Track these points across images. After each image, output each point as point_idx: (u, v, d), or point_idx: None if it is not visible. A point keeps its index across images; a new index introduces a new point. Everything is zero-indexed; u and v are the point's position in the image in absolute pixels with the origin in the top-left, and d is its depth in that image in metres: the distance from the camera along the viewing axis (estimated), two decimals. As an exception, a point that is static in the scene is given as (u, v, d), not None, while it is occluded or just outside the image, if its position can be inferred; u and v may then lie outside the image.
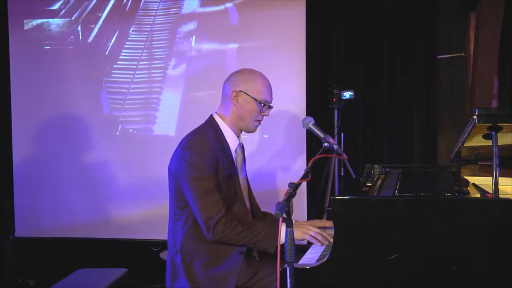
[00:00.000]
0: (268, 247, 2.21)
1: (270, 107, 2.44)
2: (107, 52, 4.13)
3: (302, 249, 2.30)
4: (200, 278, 2.27)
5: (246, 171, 2.55)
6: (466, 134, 2.18)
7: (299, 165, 3.88)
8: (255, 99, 2.36)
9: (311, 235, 2.25)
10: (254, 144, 3.88)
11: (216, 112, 2.45)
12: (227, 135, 2.39)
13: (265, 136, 3.94)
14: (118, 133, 4.14)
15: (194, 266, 2.28)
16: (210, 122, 2.41)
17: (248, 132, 2.45)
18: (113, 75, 4.14)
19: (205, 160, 2.24)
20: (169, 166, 2.38)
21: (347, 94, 3.76)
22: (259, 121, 2.43)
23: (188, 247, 2.31)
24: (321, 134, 2.19)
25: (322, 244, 2.25)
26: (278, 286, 1.79)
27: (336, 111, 3.79)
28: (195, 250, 2.30)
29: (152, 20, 4.09)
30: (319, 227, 2.36)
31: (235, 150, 2.42)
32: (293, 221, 2.44)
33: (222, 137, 2.37)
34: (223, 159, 2.32)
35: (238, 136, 2.45)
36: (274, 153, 3.94)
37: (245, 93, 2.36)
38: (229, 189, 2.34)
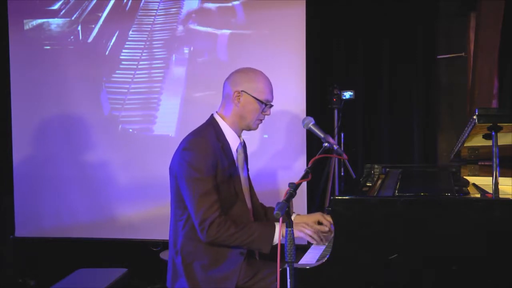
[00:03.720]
0: (262, 247, 2.22)
1: (271, 106, 2.43)
2: (107, 52, 4.13)
3: (302, 249, 2.30)
4: (200, 279, 2.27)
5: (248, 171, 2.55)
6: (466, 134, 2.18)
7: (299, 165, 3.88)
8: (257, 99, 2.36)
9: (306, 233, 2.25)
10: (254, 144, 3.88)
11: (216, 112, 2.44)
12: (228, 135, 2.39)
13: (265, 136, 3.94)
14: (118, 133, 4.14)
15: (194, 267, 2.29)
16: (211, 122, 2.40)
17: (249, 130, 2.45)
18: (113, 75, 4.14)
19: (205, 161, 2.24)
20: (170, 166, 2.38)
21: (347, 94, 3.75)
22: (261, 120, 2.43)
23: (188, 248, 2.31)
24: (321, 134, 2.19)
25: (318, 243, 2.25)
26: (278, 286, 1.79)
27: (336, 111, 3.79)
28: (195, 251, 2.30)
29: (152, 20, 4.09)
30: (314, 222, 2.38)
31: (236, 150, 2.42)
32: (296, 214, 2.48)
33: (223, 137, 2.37)
34: (224, 159, 2.32)
35: (239, 136, 2.45)
36: (274, 153, 3.94)
37: (247, 93, 2.35)
38: (230, 189, 2.34)
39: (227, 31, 3.98)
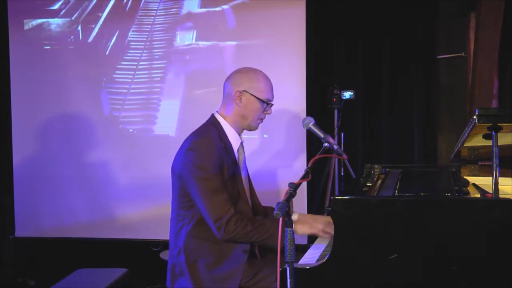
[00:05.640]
0: (276, 244, 2.22)
1: (272, 105, 2.44)
2: (107, 52, 4.13)
3: (302, 249, 2.30)
4: (203, 278, 2.27)
5: (247, 170, 2.56)
6: (466, 134, 2.19)
7: (299, 165, 3.88)
8: (258, 98, 2.36)
9: (319, 229, 2.26)
10: (254, 144, 3.88)
11: (217, 112, 2.44)
12: (230, 134, 2.39)
13: (265, 136, 3.94)
14: (118, 133, 4.14)
15: (198, 266, 2.29)
16: (212, 122, 2.41)
17: (250, 130, 2.46)
18: (113, 75, 4.14)
19: (210, 160, 2.24)
20: (173, 166, 2.37)
21: (347, 94, 3.76)
22: (262, 119, 2.44)
23: (192, 247, 2.31)
24: (321, 134, 2.19)
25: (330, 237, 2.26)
26: (278, 286, 1.79)
27: (336, 111, 3.79)
28: (198, 250, 2.30)
29: (152, 20, 4.09)
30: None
31: (237, 150, 2.42)
32: (300, 214, 2.48)
33: (225, 136, 2.37)
34: (227, 158, 2.32)
35: (240, 135, 2.45)
36: (274, 153, 3.94)
37: (249, 93, 2.36)
38: (233, 188, 2.34)
39: (227, 31, 3.98)
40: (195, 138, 2.32)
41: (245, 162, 2.53)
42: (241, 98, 2.36)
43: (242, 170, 2.45)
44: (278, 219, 2.44)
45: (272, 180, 3.90)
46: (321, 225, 2.31)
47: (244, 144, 2.52)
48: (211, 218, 2.22)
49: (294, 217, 2.50)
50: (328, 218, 2.46)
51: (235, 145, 2.40)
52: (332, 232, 2.24)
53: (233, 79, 2.41)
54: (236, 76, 2.41)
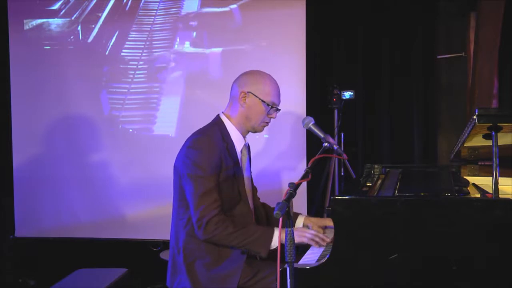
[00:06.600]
0: (260, 250, 2.22)
1: (278, 110, 2.43)
2: (107, 52, 4.13)
3: (302, 249, 2.30)
4: (202, 277, 2.27)
5: (251, 171, 2.55)
6: (466, 134, 2.19)
7: (299, 165, 3.88)
8: (262, 100, 2.36)
9: (307, 237, 2.25)
10: (254, 144, 3.86)
11: (223, 112, 2.45)
12: (233, 135, 2.39)
13: (266, 136, 3.94)
14: (118, 133, 4.14)
15: (196, 266, 2.29)
16: (217, 122, 2.41)
17: (254, 132, 2.46)
18: (113, 75, 4.14)
19: (209, 159, 2.25)
20: (175, 165, 2.38)
21: (347, 94, 3.76)
22: (267, 122, 2.43)
23: (191, 246, 2.31)
24: (321, 134, 2.19)
25: (320, 246, 2.25)
26: (278, 286, 1.79)
27: (336, 111, 3.79)
28: (197, 250, 2.30)
29: (152, 20, 4.09)
30: (319, 226, 2.39)
31: (241, 151, 2.42)
32: (304, 217, 2.47)
33: (228, 137, 2.37)
34: (228, 159, 2.32)
35: (244, 137, 2.45)
36: (274, 153, 3.94)
37: (253, 95, 2.36)
38: (233, 189, 2.34)
39: (227, 31, 3.98)
40: (197, 136, 2.33)
41: (249, 163, 2.53)
42: (245, 99, 2.36)
43: (244, 171, 2.45)
44: (267, 225, 2.45)
45: (272, 180, 3.90)
46: (309, 233, 2.26)
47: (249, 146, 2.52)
48: (194, 216, 2.23)
49: (300, 221, 2.51)
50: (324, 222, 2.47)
51: (238, 146, 2.40)
52: (327, 240, 2.24)
53: (240, 80, 2.41)
54: (243, 77, 2.42)
